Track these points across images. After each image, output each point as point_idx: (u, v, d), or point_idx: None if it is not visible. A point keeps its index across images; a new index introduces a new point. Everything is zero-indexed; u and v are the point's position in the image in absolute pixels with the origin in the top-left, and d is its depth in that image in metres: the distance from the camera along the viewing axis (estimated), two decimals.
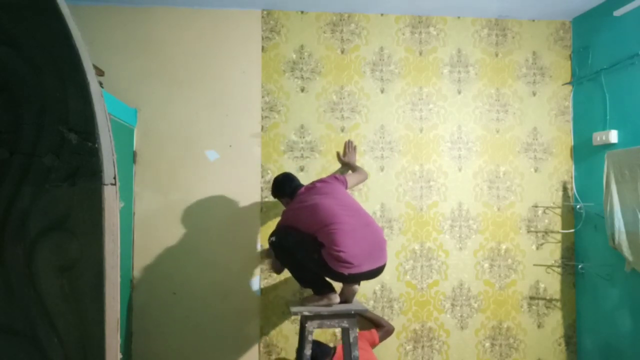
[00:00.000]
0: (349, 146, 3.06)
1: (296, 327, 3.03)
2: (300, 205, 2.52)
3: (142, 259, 2.98)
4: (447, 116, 3.22)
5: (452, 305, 3.18)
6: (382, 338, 2.99)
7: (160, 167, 3.02)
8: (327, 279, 2.52)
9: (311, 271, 2.48)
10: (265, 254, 3.03)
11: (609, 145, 2.90)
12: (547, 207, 3.25)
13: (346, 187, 2.73)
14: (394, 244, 3.15)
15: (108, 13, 3.02)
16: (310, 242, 2.42)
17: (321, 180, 2.67)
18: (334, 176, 2.72)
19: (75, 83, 0.79)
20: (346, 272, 2.34)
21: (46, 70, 0.78)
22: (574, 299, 3.24)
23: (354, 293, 2.59)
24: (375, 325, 3.01)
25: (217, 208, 3.05)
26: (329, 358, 2.69)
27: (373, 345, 2.92)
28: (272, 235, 2.57)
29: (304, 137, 3.12)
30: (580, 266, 3.16)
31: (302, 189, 2.63)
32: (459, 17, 3.26)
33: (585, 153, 3.16)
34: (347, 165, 3.06)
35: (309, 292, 2.74)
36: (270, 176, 3.07)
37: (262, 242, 3.05)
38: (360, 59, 3.18)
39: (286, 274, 2.88)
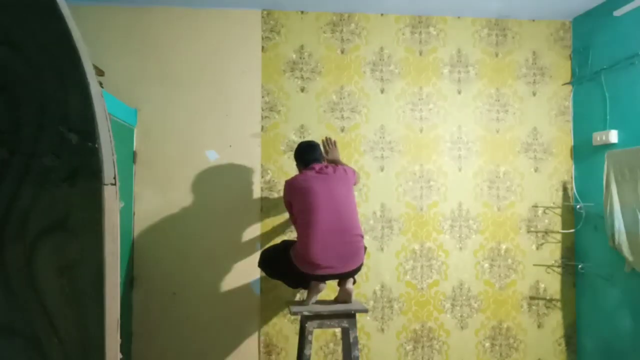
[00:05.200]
0: (328, 143, 2.89)
1: (296, 327, 3.03)
2: (300, 181, 2.57)
3: (142, 259, 2.98)
4: (447, 116, 3.22)
5: (452, 305, 3.18)
6: None
7: (160, 167, 3.02)
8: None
9: (293, 274, 2.56)
10: None
11: (609, 145, 2.90)
12: (547, 207, 3.25)
13: (354, 183, 2.69)
14: (394, 244, 3.15)
15: (108, 13, 3.02)
16: (282, 249, 2.66)
17: (333, 167, 2.63)
18: (343, 168, 2.65)
19: (75, 83, 0.79)
20: (310, 272, 2.44)
21: (46, 70, 0.78)
22: (574, 299, 3.24)
23: (349, 293, 2.59)
24: None
25: (217, 208, 3.04)
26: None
27: None
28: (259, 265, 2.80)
29: (303, 137, 3.11)
30: (580, 266, 3.16)
31: (315, 166, 2.59)
32: (459, 17, 3.26)
33: (585, 153, 3.16)
34: (332, 164, 2.85)
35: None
36: (270, 176, 3.08)
37: (262, 242, 3.05)
38: (360, 59, 3.18)
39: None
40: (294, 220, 2.65)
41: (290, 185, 2.59)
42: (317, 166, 2.59)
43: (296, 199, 2.54)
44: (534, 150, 3.27)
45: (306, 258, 2.42)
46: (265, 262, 2.73)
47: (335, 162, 2.89)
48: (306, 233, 2.44)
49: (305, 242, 2.44)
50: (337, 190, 2.53)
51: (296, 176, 2.62)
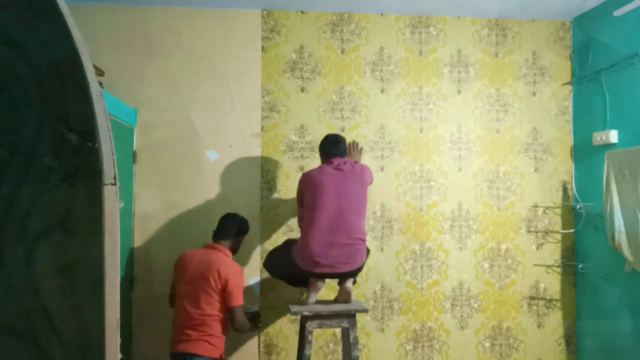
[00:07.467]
0: (353, 147, 2.97)
1: (296, 327, 3.02)
2: (315, 175, 2.59)
3: (142, 259, 2.98)
4: (447, 116, 3.22)
5: (452, 305, 3.18)
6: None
7: (160, 167, 3.02)
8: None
9: (293, 271, 2.58)
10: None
11: (609, 145, 2.90)
12: (547, 207, 3.25)
13: (369, 183, 2.71)
14: (394, 244, 3.15)
15: (108, 13, 3.02)
16: (284, 247, 2.71)
17: (352, 164, 2.63)
18: (362, 167, 2.67)
19: (75, 83, 0.79)
20: (309, 270, 2.47)
21: (46, 70, 0.78)
22: (574, 299, 3.24)
23: (348, 293, 2.59)
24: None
25: (217, 208, 3.04)
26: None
27: None
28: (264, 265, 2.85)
29: (304, 137, 3.11)
30: (580, 266, 3.16)
31: (334, 161, 2.61)
32: (459, 17, 3.26)
33: (585, 153, 3.16)
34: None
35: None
36: (270, 176, 3.08)
37: (261, 242, 3.05)
38: (360, 59, 3.18)
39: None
40: (300, 215, 2.67)
41: (306, 176, 2.64)
42: (336, 161, 2.61)
43: (308, 192, 2.57)
44: (534, 150, 3.27)
45: (305, 255, 2.44)
46: (269, 260, 2.77)
47: None
48: (308, 230, 2.47)
49: (306, 239, 2.46)
50: (348, 190, 2.54)
51: (314, 169, 2.66)
